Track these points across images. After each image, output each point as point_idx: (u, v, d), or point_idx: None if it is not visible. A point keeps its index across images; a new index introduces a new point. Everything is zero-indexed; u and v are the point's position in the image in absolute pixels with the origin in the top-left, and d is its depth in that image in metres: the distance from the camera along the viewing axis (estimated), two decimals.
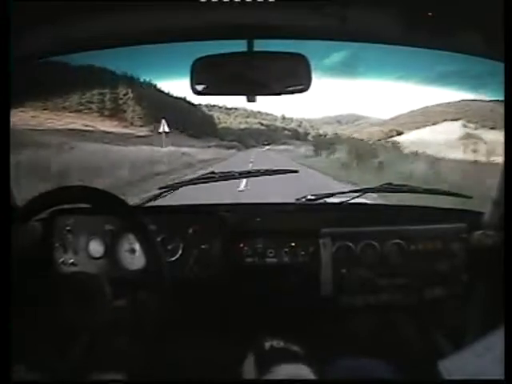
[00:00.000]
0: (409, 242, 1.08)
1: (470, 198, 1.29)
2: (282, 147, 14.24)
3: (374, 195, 1.35)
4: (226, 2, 0.74)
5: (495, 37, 0.71)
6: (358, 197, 1.27)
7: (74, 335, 0.70)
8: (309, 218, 1.21)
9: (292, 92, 0.85)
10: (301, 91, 0.85)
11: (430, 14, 0.74)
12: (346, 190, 1.30)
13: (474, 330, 1.05)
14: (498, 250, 0.98)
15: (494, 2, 0.68)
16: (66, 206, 1.05)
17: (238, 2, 0.75)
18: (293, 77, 0.85)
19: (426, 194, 1.29)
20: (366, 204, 1.42)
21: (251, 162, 7.68)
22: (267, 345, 0.67)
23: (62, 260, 1.06)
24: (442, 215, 1.26)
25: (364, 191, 1.27)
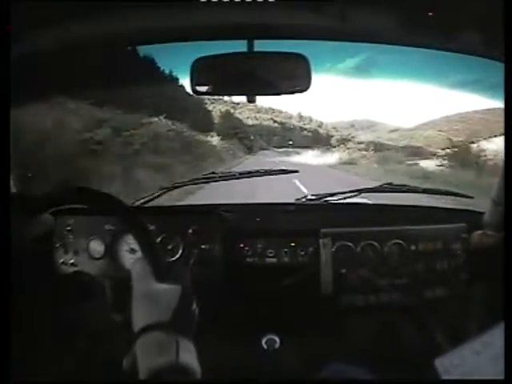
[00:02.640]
0: (409, 242, 1.08)
1: (471, 197, 1.29)
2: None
3: (374, 195, 1.35)
4: (226, 2, 0.74)
5: (495, 37, 0.72)
6: (357, 196, 1.28)
7: (74, 335, 0.70)
8: (309, 218, 1.21)
9: (292, 92, 0.85)
10: (300, 91, 0.85)
11: (430, 14, 0.74)
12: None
13: (474, 330, 1.05)
14: (498, 249, 0.98)
15: (494, 3, 0.68)
16: (64, 207, 1.05)
17: (238, 1, 0.75)
18: (292, 77, 0.85)
19: (426, 194, 1.29)
20: (366, 204, 1.42)
21: None
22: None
23: (62, 260, 1.06)
24: (442, 215, 1.26)
25: (364, 191, 1.27)
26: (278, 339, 1.17)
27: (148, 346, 0.49)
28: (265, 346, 1.17)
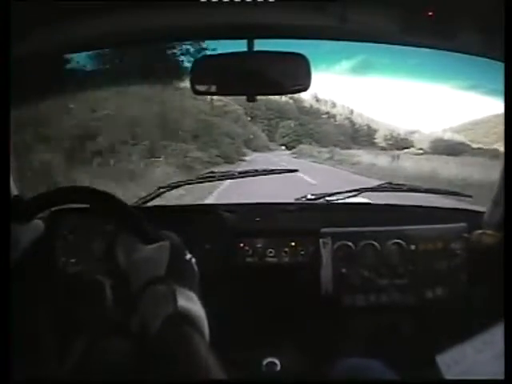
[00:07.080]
0: (409, 242, 1.08)
1: (470, 197, 1.29)
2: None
3: (374, 195, 1.35)
4: (226, 1, 0.74)
5: (495, 37, 0.72)
6: (356, 196, 1.28)
7: (75, 335, 0.70)
8: (309, 217, 1.21)
9: (292, 92, 0.86)
10: (300, 91, 0.85)
11: (430, 14, 0.74)
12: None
13: (473, 330, 1.05)
14: (497, 249, 0.98)
15: (494, 2, 0.68)
16: (63, 207, 1.05)
17: (238, 1, 0.75)
18: (293, 76, 0.85)
19: (426, 194, 1.29)
20: (366, 204, 1.42)
21: None
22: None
23: (62, 260, 1.06)
24: (442, 215, 1.26)
25: (363, 191, 1.27)
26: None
27: (149, 300, 0.51)
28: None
